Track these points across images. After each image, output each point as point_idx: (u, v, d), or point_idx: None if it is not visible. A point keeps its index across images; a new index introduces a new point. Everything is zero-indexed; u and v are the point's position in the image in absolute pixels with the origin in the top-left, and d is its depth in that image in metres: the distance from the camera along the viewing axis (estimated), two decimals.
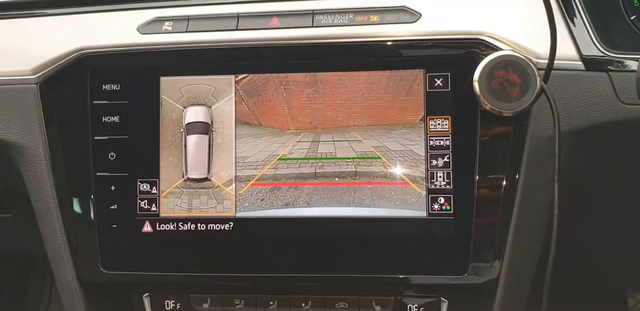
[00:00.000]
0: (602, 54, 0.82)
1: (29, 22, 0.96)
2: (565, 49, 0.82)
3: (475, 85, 0.79)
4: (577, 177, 0.87)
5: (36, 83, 0.91)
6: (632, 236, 1.10)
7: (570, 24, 0.83)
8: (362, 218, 0.86)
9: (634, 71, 0.81)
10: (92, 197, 0.90)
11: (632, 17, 0.85)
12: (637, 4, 0.86)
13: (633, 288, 1.43)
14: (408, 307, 0.90)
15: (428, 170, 0.85)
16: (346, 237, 0.87)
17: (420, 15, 0.86)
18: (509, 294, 0.85)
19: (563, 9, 0.84)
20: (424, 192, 0.85)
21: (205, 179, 0.89)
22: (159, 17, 0.91)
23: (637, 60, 0.79)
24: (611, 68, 0.81)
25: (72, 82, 0.91)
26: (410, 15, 0.86)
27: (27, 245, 1.22)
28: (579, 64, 0.82)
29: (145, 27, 0.91)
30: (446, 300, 0.89)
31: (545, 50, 0.80)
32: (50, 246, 0.92)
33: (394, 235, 0.86)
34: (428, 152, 0.85)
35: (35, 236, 0.97)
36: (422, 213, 0.85)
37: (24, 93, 0.91)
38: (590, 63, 0.82)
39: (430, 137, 0.85)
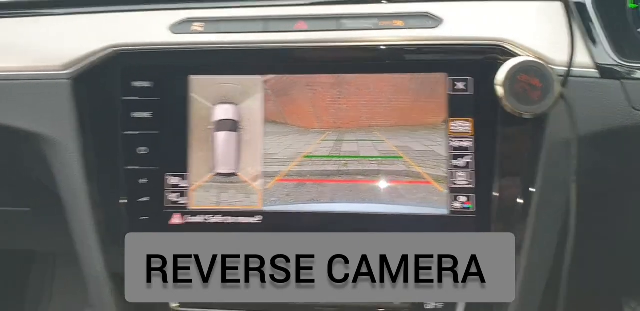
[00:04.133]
0: (615, 63, 0.85)
1: (65, 20, 0.98)
2: (581, 57, 0.85)
3: (499, 88, 0.82)
4: (589, 181, 0.90)
5: (69, 79, 0.93)
6: (634, 243, 1.13)
7: (586, 34, 0.87)
8: (384, 215, 0.89)
9: None
10: (122, 189, 0.92)
11: (639, 29, 0.90)
12: None
13: (628, 297, 1.45)
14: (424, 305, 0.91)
15: (450, 170, 0.88)
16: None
17: (443, 21, 0.89)
18: (524, 292, 0.87)
19: (579, 19, 0.88)
20: (446, 191, 0.88)
21: (233, 174, 0.91)
22: (190, 18, 0.94)
23: None
24: (624, 76, 0.85)
25: (104, 78, 0.93)
26: (433, 21, 0.89)
27: (44, 240, 1.23)
28: (595, 72, 0.85)
29: (177, 27, 0.93)
30: None
31: (560, 57, 0.84)
32: (79, 238, 0.93)
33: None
34: (450, 152, 0.88)
35: (54, 231, 0.98)
36: (443, 211, 0.88)
37: (57, 87, 0.93)
38: (605, 71, 0.85)
39: (452, 138, 0.88)
